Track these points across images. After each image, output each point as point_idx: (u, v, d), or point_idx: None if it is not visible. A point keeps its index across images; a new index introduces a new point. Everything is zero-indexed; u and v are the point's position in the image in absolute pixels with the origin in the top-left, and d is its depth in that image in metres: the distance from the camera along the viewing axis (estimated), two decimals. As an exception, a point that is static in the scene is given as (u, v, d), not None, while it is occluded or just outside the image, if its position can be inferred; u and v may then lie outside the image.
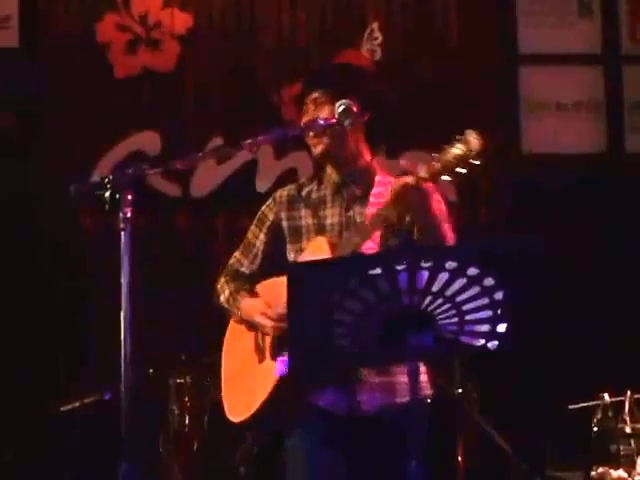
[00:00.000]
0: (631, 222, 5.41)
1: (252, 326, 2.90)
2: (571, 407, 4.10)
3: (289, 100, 5.26)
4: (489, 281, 2.07)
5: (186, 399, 4.41)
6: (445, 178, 2.51)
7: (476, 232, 5.22)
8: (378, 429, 2.72)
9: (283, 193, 2.99)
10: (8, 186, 5.22)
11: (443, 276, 2.06)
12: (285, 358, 2.67)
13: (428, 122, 5.13)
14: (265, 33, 5.52)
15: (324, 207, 2.89)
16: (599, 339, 5.10)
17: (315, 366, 2.30)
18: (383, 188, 2.76)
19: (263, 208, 3.01)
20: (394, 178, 2.71)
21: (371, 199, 2.79)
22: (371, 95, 2.86)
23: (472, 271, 2.06)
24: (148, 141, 5.36)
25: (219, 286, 3.03)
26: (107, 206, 2.48)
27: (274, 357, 2.78)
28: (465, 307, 2.11)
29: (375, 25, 5.55)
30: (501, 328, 2.13)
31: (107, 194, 2.48)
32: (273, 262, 2.97)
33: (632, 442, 3.83)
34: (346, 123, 2.73)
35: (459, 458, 4.24)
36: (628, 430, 3.85)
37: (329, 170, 2.92)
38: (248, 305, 2.91)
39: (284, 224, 2.94)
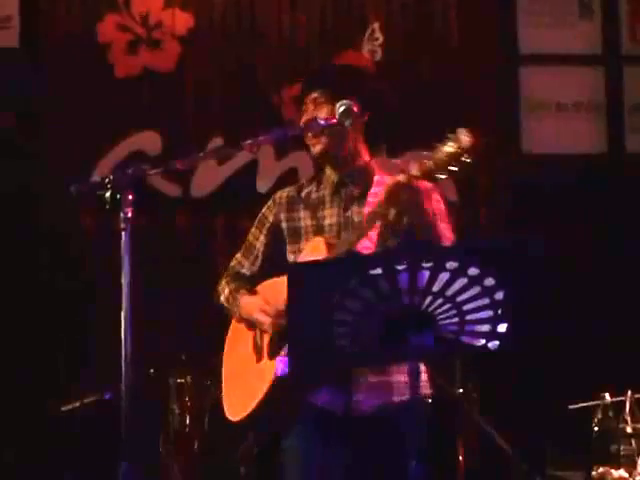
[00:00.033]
0: (631, 222, 5.41)
1: (251, 325, 2.91)
2: (571, 407, 4.10)
3: (289, 100, 5.26)
4: (489, 281, 2.08)
5: (186, 399, 4.42)
6: (438, 176, 2.51)
7: (476, 232, 5.22)
8: (376, 429, 2.72)
9: (282, 194, 3.00)
10: (8, 186, 5.23)
11: (444, 276, 2.06)
12: (286, 357, 2.67)
13: (428, 122, 5.12)
14: (265, 33, 5.52)
15: (323, 208, 2.89)
16: (599, 339, 5.10)
17: (315, 366, 2.30)
18: (381, 188, 2.76)
19: (263, 210, 3.03)
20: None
21: (369, 199, 2.79)
22: (370, 95, 2.86)
23: (473, 271, 2.06)
24: (148, 141, 5.36)
25: (220, 287, 3.05)
26: (107, 206, 2.48)
27: (271, 356, 2.79)
28: (466, 307, 2.11)
29: (376, 25, 5.55)
30: (502, 328, 2.13)
31: (107, 194, 2.48)
32: (273, 263, 2.97)
33: (633, 442, 3.82)
34: (347, 123, 2.73)
35: (459, 458, 4.24)
36: (629, 430, 3.85)
37: (328, 171, 2.93)
38: (247, 302, 2.92)
39: (283, 225, 2.95)
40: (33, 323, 5.09)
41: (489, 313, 2.11)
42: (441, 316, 2.13)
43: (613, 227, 5.45)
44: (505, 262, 2.10)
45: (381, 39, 5.53)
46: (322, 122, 2.77)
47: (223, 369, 3.00)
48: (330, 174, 2.91)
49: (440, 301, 2.10)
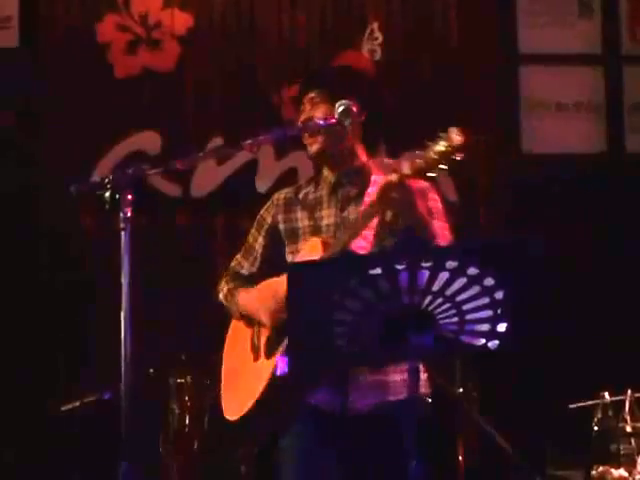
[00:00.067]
0: (631, 222, 5.41)
1: (250, 323, 2.92)
2: (571, 406, 4.10)
3: (289, 100, 5.26)
4: (489, 281, 2.08)
5: (186, 399, 4.42)
6: (430, 174, 2.51)
7: (476, 232, 5.22)
8: (373, 428, 2.72)
9: (280, 196, 3.02)
10: (8, 186, 5.23)
11: (443, 276, 2.07)
12: (285, 357, 2.67)
13: (428, 122, 5.12)
14: (265, 33, 5.52)
15: (320, 208, 2.90)
16: (599, 339, 5.10)
17: (315, 366, 2.30)
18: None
19: (262, 211, 3.05)
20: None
21: (366, 199, 2.79)
22: (367, 95, 2.87)
23: (472, 271, 2.06)
24: (148, 141, 5.36)
25: (219, 286, 3.07)
26: (107, 206, 2.48)
27: (268, 355, 2.79)
28: (465, 307, 2.11)
29: (375, 25, 5.55)
30: (501, 328, 2.13)
31: (107, 194, 2.48)
32: (273, 264, 2.98)
33: (632, 441, 3.83)
34: (346, 123, 2.74)
35: (459, 457, 4.24)
36: (628, 429, 3.85)
37: (325, 171, 2.94)
38: (245, 298, 2.93)
39: (281, 227, 2.96)
40: (33, 323, 5.09)
41: (489, 313, 2.11)
42: (441, 316, 2.13)
43: (613, 227, 5.45)
44: (505, 262, 2.10)
45: (380, 39, 5.53)
46: (321, 122, 2.78)
47: (222, 368, 3.01)
48: (327, 175, 2.92)
49: (440, 301, 2.11)
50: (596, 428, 3.91)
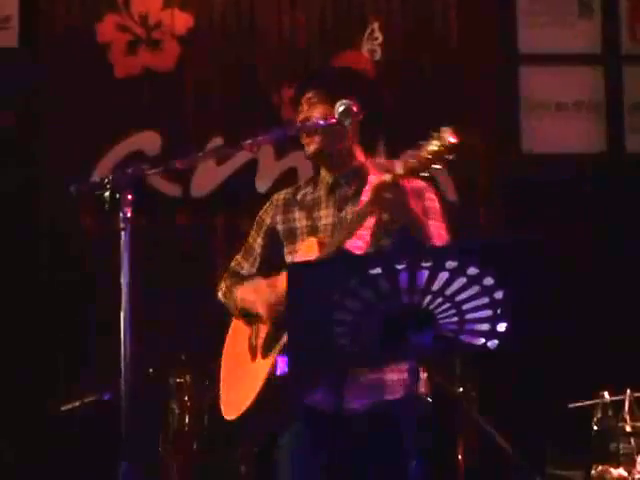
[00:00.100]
0: (631, 222, 5.41)
1: (249, 322, 2.93)
2: (571, 406, 4.11)
3: (289, 100, 5.26)
4: (489, 280, 2.08)
5: (186, 399, 4.42)
6: (423, 174, 2.52)
7: (476, 232, 5.22)
8: (370, 427, 2.73)
9: (279, 197, 3.03)
10: (8, 186, 5.23)
11: (443, 275, 2.07)
12: (286, 357, 2.67)
13: (428, 122, 5.11)
14: (265, 33, 5.52)
15: (318, 208, 2.91)
16: (599, 339, 5.10)
17: (315, 366, 2.30)
18: None
19: (261, 212, 3.06)
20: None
21: (362, 198, 2.80)
22: (365, 95, 2.87)
23: (472, 270, 2.06)
24: (148, 141, 5.36)
25: (219, 286, 3.08)
26: (107, 206, 2.48)
27: (265, 355, 2.80)
28: (465, 306, 2.11)
29: (375, 25, 5.55)
30: (501, 327, 2.13)
31: (107, 194, 2.48)
32: (272, 264, 2.98)
33: (632, 441, 3.83)
34: (346, 123, 2.74)
35: (459, 457, 4.24)
36: (628, 429, 3.85)
37: (323, 172, 2.96)
38: (243, 291, 2.94)
39: (279, 227, 2.98)
40: (33, 323, 5.09)
41: (488, 312, 2.12)
42: (441, 315, 2.13)
43: (613, 227, 5.45)
44: (504, 262, 2.10)
45: (381, 39, 5.53)
46: (321, 121, 2.78)
47: (221, 369, 3.01)
48: (325, 175, 2.94)
49: (439, 300, 2.11)
50: (596, 428, 3.91)
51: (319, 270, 2.22)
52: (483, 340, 2.16)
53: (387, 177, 2.55)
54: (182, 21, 5.48)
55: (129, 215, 2.47)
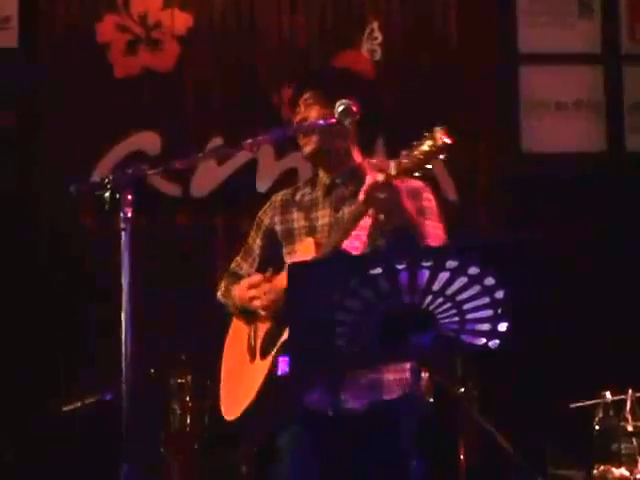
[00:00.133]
0: (631, 222, 5.41)
1: (248, 322, 2.93)
2: (572, 406, 4.10)
3: (288, 101, 5.26)
4: (489, 280, 2.08)
5: (187, 399, 4.41)
6: (417, 174, 2.52)
7: (476, 232, 5.22)
8: (368, 427, 2.73)
9: (277, 198, 3.06)
10: (8, 186, 5.23)
11: (444, 275, 2.07)
12: (286, 357, 2.67)
13: (428, 122, 5.12)
14: (265, 33, 5.52)
15: (316, 209, 2.93)
16: (599, 339, 5.10)
17: (315, 366, 2.30)
18: None
19: (260, 213, 3.09)
20: None
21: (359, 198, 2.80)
22: (361, 96, 2.87)
23: (473, 270, 2.06)
24: (148, 141, 5.36)
25: (218, 286, 3.10)
26: (107, 206, 2.48)
27: (263, 356, 2.80)
28: (466, 306, 2.11)
29: (375, 25, 5.54)
30: (502, 327, 2.13)
31: (107, 194, 2.48)
32: (271, 265, 2.99)
33: (634, 441, 3.82)
34: (346, 123, 2.74)
35: (460, 457, 4.24)
36: (630, 428, 3.84)
37: (320, 172, 2.97)
38: (240, 288, 2.95)
39: (277, 228, 2.99)
40: (33, 323, 5.09)
41: (489, 312, 2.11)
42: (441, 315, 2.13)
43: (613, 227, 5.44)
44: (505, 261, 2.10)
45: (380, 39, 5.53)
46: (321, 121, 2.78)
47: (221, 369, 3.02)
48: (322, 176, 2.95)
49: (440, 300, 2.11)
50: (597, 427, 3.91)
51: (319, 270, 2.22)
52: (484, 340, 2.16)
53: (380, 177, 2.56)
54: (182, 21, 5.47)
55: (129, 215, 2.47)
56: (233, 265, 3.12)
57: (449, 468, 4.23)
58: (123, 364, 2.42)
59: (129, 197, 2.48)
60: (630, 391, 3.90)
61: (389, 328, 2.13)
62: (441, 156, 2.43)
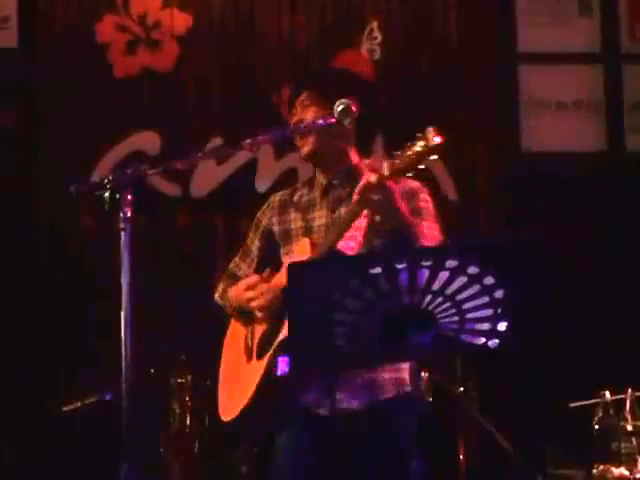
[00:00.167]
0: (631, 222, 5.41)
1: (245, 324, 2.93)
2: (572, 405, 4.10)
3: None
4: (489, 280, 2.08)
5: (187, 399, 4.41)
6: (409, 174, 2.52)
7: (476, 231, 5.22)
8: (363, 427, 2.73)
9: (276, 198, 3.06)
10: (8, 186, 5.23)
11: (443, 275, 2.07)
12: (286, 357, 2.67)
13: (428, 122, 5.12)
14: (265, 33, 5.52)
15: (313, 210, 2.93)
16: (599, 339, 5.10)
17: (315, 366, 2.30)
18: None
19: (258, 214, 3.09)
20: None
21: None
22: (358, 96, 2.86)
23: (472, 270, 2.06)
24: (148, 141, 5.36)
25: (216, 288, 3.10)
26: (107, 206, 2.48)
27: (260, 357, 2.80)
28: (465, 306, 2.11)
29: (375, 24, 5.54)
30: (501, 327, 2.13)
31: (107, 194, 2.48)
32: (269, 266, 2.99)
33: (633, 440, 3.82)
34: (346, 122, 2.74)
35: (460, 456, 4.24)
36: (629, 428, 3.85)
37: (318, 173, 2.97)
38: (236, 290, 2.95)
39: (275, 228, 3.00)
40: (33, 323, 5.09)
41: (489, 312, 2.11)
42: (441, 315, 2.13)
43: (613, 227, 5.44)
44: (505, 261, 2.10)
45: (380, 38, 5.53)
46: (321, 121, 2.78)
47: (220, 369, 3.02)
48: (319, 176, 2.95)
49: (440, 300, 2.11)
50: (597, 427, 3.91)
51: (319, 270, 2.22)
52: (483, 339, 2.16)
53: (372, 178, 2.56)
54: (181, 21, 5.47)
55: (129, 215, 2.47)
56: (231, 266, 3.12)
57: (449, 468, 4.23)
58: (123, 364, 2.42)
59: (129, 197, 2.47)
60: (629, 390, 3.90)
61: (389, 328, 2.13)
62: (434, 156, 2.44)
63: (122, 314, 2.44)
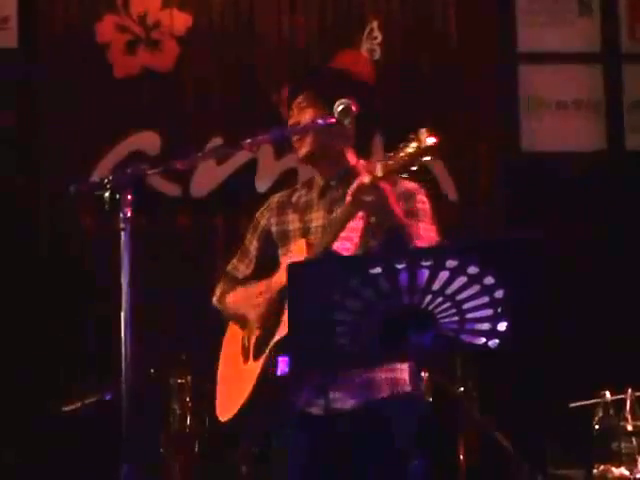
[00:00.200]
0: (631, 221, 5.41)
1: (243, 325, 2.93)
2: (572, 405, 4.10)
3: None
4: (489, 279, 2.08)
5: (187, 399, 4.41)
6: (402, 176, 2.53)
7: (476, 231, 5.22)
8: (361, 427, 2.73)
9: (274, 199, 3.06)
10: (8, 186, 5.23)
11: (443, 275, 2.07)
12: (286, 357, 2.67)
13: (428, 122, 5.12)
14: (264, 33, 5.52)
15: (310, 211, 2.93)
16: (599, 339, 5.10)
17: (315, 366, 2.30)
18: None
19: (257, 215, 3.09)
20: None
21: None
22: (355, 97, 2.86)
23: (472, 269, 2.06)
24: (148, 141, 5.35)
25: (215, 291, 3.11)
26: (107, 206, 2.48)
27: (256, 358, 2.80)
28: (465, 305, 2.11)
29: (375, 24, 5.54)
30: (501, 327, 2.13)
31: (107, 194, 2.48)
32: (267, 266, 2.99)
33: (633, 440, 3.82)
34: (346, 122, 2.74)
35: (460, 456, 4.24)
36: (629, 428, 3.85)
37: (315, 174, 2.97)
38: (234, 301, 2.97)
39: (273, 229, 3.00)
40: (33, 323, 5.09)
41: (489, 312, 2.11)
42: (441, 315, 2.13)
43: (613, 226, 5.44)
44: (505, 261, 2.10)
45: (380, 38, 5.53)
46: (320, 121, 2.78)
47: (218, 370, 3.03)
48: (317, 177, 2.96)
49: (440, 300, 2.11)
50: (597, 427, 3.91)
51: (319, 270, 2.22)
52: (484, 339, 2.16)
53: (366, 179, 2.56)
54: (181, 21, 5.47)
55: (129, 215, 2.47)
56: (229, 268, 3.11)
57: (449, 468, 4.23)
58: (123, 364, 2.42)
59: (129, 197, 2.48)
60: (630, 390, 3.90)
61: (389, 328, 2.13)
62: (427, 157, 2.44)
63: (122, 314, 2.44)
